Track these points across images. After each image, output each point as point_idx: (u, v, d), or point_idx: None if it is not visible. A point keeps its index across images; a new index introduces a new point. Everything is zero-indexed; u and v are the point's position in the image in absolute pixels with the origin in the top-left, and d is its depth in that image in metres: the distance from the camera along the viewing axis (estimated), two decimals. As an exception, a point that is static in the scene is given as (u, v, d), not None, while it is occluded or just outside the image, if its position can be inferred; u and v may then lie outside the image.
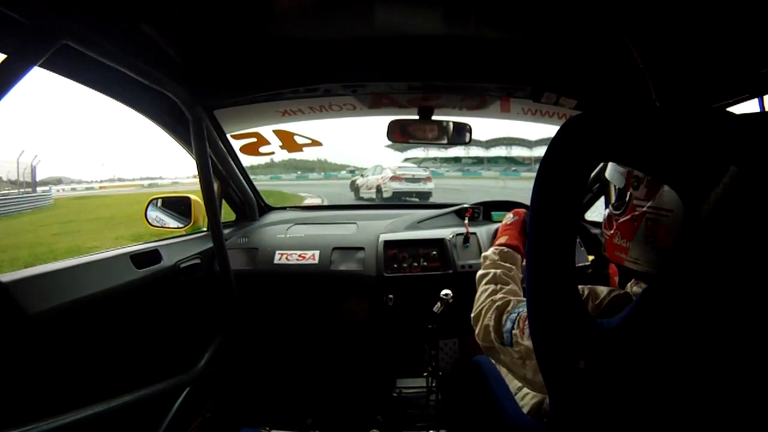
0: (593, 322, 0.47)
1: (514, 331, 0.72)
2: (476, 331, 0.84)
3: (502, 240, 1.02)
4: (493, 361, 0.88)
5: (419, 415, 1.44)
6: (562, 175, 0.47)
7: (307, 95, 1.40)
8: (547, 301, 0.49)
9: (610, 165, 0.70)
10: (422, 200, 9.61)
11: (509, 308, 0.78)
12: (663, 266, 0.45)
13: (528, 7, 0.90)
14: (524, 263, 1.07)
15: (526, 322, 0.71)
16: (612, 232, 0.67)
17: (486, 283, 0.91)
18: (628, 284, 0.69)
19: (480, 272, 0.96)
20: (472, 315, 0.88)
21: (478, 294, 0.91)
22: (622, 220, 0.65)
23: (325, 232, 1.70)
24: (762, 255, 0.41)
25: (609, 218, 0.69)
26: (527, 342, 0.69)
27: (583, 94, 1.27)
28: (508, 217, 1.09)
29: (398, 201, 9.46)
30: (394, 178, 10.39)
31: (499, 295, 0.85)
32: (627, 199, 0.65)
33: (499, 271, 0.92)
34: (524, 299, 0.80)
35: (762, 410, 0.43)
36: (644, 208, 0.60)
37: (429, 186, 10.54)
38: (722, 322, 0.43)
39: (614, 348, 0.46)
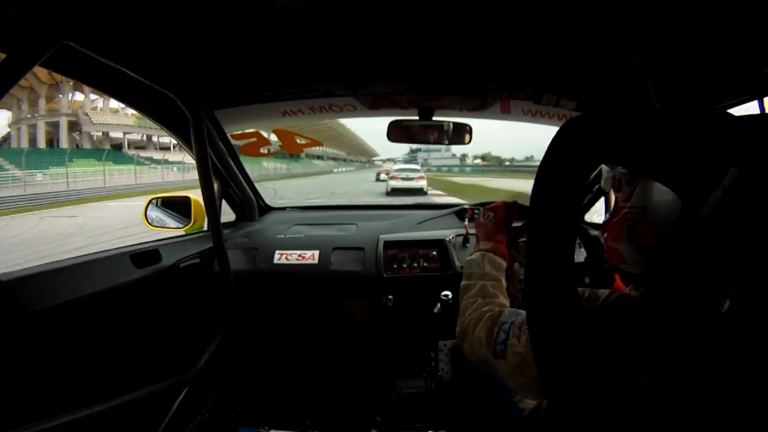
0: (593, 323, 0.47)
1: (509, 341, 0.69)
2: (464, 347, 0.78)
3: (487, 246, 0.91)
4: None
5: (419, 415, 1.43)
6: (561, 176, 0.48)
7: (308, 95, 1.40)
8: (547, 303, 0.49)
9: (603, 172, 0.70)
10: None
11: (502, 318, 0.73)
12: (661, 266, 0.45)
13: (528, 7, 0.90)
14: (520, 270, 1.02)
15: (522, 329, 0.68)
16: (606, 236, 0.68)
17: (472, 297, 0.83)
18: (627, 288, 0.69)
19: (464, 283, 0.87)
20: (457, 330, 0.80)
21: (462, 307, 0.83)
22: (611, 223, 0.66)
23: (325, 233, 1.70)
24: (762, 257, 0.41)
25: (604, 224, 0.70)
26: (524, 349, 0.66)
27: (584, 95, 1.27)
28: (488, 214, 0.96)
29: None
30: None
31: (487, 307, 0.78)
32: (614, 202, 0.66)
33: (488, 283, 0.84)
34: (515, 310, 0.77)
35: (761, 412, 0.43)
36: (625, 209, 0.62)
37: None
38: (720, 324, 0.43)
39: (614, 350, 0.46)
